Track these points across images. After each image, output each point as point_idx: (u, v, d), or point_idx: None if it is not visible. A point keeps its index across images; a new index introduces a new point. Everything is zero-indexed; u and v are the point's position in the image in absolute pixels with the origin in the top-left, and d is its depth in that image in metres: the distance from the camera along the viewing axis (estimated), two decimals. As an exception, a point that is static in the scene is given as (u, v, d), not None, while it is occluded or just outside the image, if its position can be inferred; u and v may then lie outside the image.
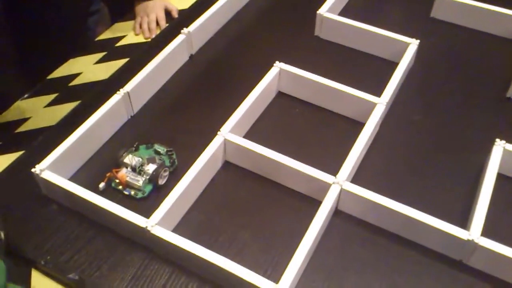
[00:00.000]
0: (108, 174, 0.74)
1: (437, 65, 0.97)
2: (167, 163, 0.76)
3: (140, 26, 1.10)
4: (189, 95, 0.90)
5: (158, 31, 1.08)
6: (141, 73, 0.86)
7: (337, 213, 0.72)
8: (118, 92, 0.82)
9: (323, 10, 0.99)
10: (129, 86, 0.83)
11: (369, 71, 0.94)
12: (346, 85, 0.84)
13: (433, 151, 0.81)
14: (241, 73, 0.94)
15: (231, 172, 0.78)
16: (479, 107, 0.89)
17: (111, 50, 1.04)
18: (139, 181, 0.73)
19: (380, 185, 0.73)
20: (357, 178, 0.75)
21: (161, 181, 0.74)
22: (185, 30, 0.94)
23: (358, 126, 0.80)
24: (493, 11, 1.00)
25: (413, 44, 0.92)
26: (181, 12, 1.14)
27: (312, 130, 0.84)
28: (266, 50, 0.99)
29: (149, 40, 1.06)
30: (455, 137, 0.84)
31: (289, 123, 0.85)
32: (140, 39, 1.08)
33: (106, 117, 0.79)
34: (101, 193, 0.72)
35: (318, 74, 0.86)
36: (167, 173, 0.75)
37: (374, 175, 0.77)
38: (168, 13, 1.13)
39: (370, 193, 0.69)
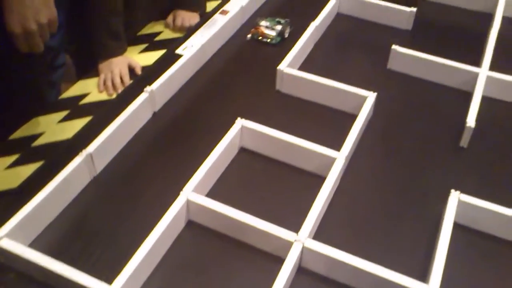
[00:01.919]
0: (252, 30, 1.18)
1: (395, 116, 1.00)
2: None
3: (104, 83, 1.11)
4: (152, 154, 0.91)
5: (122, 88, 1.10)
6: (104, 133, 0.86)
7: (300, 271, 0.72)
8: (80, 153, 0.82)
9: (283, 66, 1.02)
10: (92, 147, 0.84)
11: (330, 123, 0.97)
12: (308, 139, 0.86)
13: (394, 203, 0.83)
14: (204, 130, 0.95)
15: (195, 231, 0.78)
16: (436, 157, 0.92)
17: (74, 108, 1.05)
18: (273, 33, 1.16)
19: (342, 240, 0.74)
20: (320, 233, 0.76)
21: (286, 35, 1.18)
22: (148, 88, 0.95)
23: (320, 180, 0.82)
24: (445, 64, 1.05)
25: (371, 97, 0.96)
26: (144, 68, 1.16)
27: (275, 186, 0.85)
28: (228, 106, 1.00)
29: (113, 97, 1.07)
30: (415, 188, 0.86)
31: (252, 179, 0.86)
32: (104, 96, 1.09)
33: (69, 180, 0.79)
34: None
35: (280, 129, 0.88)
36: (289, 29, 1.17)
37: (336, 229, 0.78)
38: (131, 69, 1.15)
39: (332, 250, 0.69)
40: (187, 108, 1.00)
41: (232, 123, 0.89)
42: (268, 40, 1.16)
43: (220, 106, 1.01)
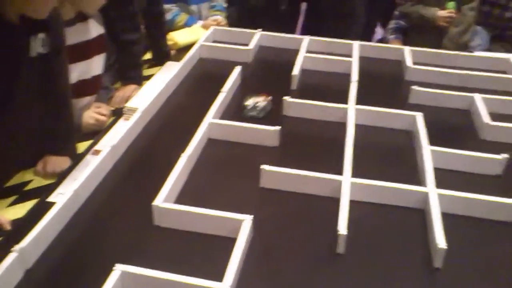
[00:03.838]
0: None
1: (273, 235, 1.03)
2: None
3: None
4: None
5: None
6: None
7: None
8: None
9: (158, 201, 1.02)
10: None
11: (211, 252, 0.97)
12: (191, 272, 0.86)
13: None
14: (82, 283, 0.91)
15: None
16: (316, 269, 0.95)
17: None
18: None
19: None
20: None
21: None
22: (16, 247, 0.90)
23: (208, 314, 0.81)
24: (311, 176, 1.12)
25: (247, 220, 0.99)
26: (15, 222, 1.10)
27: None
28: (107, 249, 0.98)
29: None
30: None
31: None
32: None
33: None
34: None
35: (163, 266, 0.87)
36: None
37: None
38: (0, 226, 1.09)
39: None
40: (62, 261, 0.96)
41: (112, 268, 0.86)
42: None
43: (98, 251, 0.98)
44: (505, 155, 1.20)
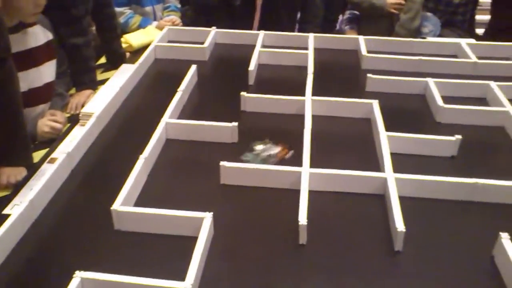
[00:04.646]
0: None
1: (235, 230, 1.02)
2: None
3: None
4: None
5: None
6: None
7: None
8: None
9: (117, 205, 1.01)
10: None
11: (172, 252, 0.96)
12: (152, 275, 0.85)
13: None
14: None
15: None
16: (281, 261, 0.95)
17: None
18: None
19: None
20: None
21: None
22: (-30, 262, 0.88)
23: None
24: (271, 170, 1.12)
25: (207, 217, 0.98)
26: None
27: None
28: (67, 258, 0.96)
29: None
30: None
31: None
32: None
33: None
34: None
35: (124, 270, 0.86)
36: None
37: None
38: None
39: None
40: (20, 273, 0.93)
41: (71, 276, 0.85)
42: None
43: (58, 260, 0.96)
44: (459, 136, 1.22)
